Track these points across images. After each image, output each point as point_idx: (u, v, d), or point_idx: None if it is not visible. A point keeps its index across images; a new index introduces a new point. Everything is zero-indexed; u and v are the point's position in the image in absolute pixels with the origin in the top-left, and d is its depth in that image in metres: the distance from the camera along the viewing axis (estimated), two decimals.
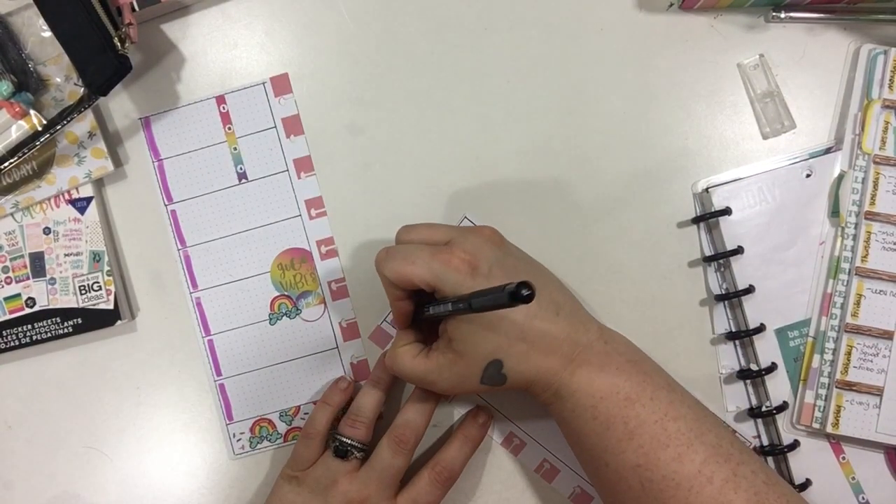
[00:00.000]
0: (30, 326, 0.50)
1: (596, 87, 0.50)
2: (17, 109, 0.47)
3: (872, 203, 0.48)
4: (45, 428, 0.51)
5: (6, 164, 0.48)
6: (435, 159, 0.51)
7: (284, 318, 0.51)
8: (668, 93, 0.50)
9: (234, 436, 0.51)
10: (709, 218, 0.49)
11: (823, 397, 0.48)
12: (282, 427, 0.51)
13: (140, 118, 0.51)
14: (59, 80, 0.50)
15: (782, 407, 0.48)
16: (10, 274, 0.51)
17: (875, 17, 0.49)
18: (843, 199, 0.48)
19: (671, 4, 0.50)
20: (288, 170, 0.51)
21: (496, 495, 0.50)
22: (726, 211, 0.48)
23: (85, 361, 0.51)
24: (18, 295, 0.51)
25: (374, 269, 0.43)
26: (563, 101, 0.51)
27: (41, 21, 0.48)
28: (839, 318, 0.48)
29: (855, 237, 0.48)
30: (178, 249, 0.51)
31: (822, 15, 0.49)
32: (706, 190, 0.49)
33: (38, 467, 0.51)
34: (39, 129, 0.48)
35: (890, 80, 0.48)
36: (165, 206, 0.51)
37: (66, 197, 0.51)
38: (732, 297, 0.48)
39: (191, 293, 0.51)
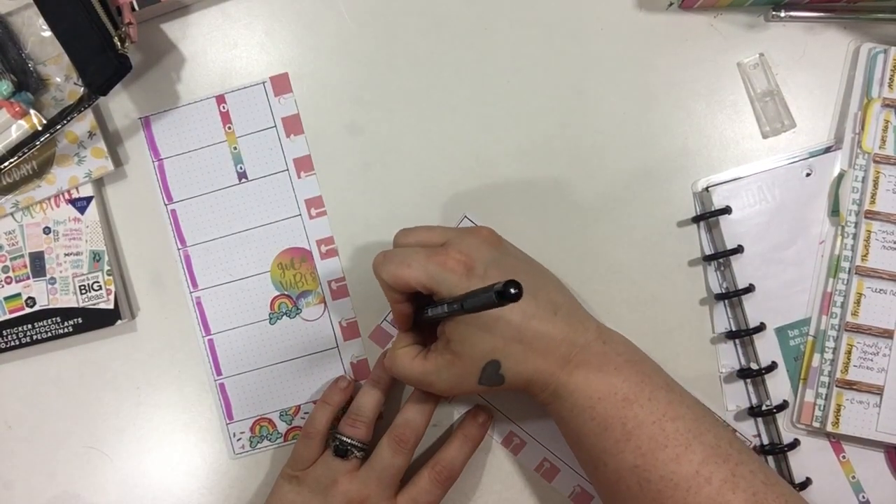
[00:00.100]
0: (30, 326, 0.50)
1: (596, 87, 0.50)
2: (17, 109, 0.47)
3: (872, 202, 0.48)
4: (45, 428, 0.51)
5: (6, 163, 0.48)
6: (435, 159, 0.51)
7: (284, 317, 0.51)
8: (667, 92, 0.50)
9: (234, 435, 0.51)
10: (709, 217, 0.49)
11: (823, 396, 0.48)
12: (282, 426, 0.51)
13: (140, 118, 0.51)
14: (59, 79, 0.50)
15: (782, 406, 0.48)
16: (10, 274, 0.51)
17: (875, 17, 0.49)
18: (843, 198, 0.48)
19: (671, 4, 0.50)
20: (288, 169, 0.51)
21: (496, 495, 0.50)
22: (726, 210, 0.48)
23: (85, 361, 0.51)
24: (18, 295, 0.51)
25: (372, 270, 0.43)
26: (563, 101, 0.51)
27: (41, 21, 0.48)
28: (839, 317, 0.48)
29: (855, 236, 0.48)
30: (178, 249, 0.51)
31: (821, 14, 0.49)
32: (706, 189, 0.49)
33: (38, 467, 0.51)
34: (39, 128, 0.48)
35: (890, 78, 0.48)
36: (165, 205, 0.51)
37: (66, 196, 0.51)
38: (732, 297, 0.48)
39: (191, 293, 0.51)
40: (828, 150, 0.49)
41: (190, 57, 0.52)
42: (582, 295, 0.49)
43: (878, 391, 0.47)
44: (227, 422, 0.51)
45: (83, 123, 0.50)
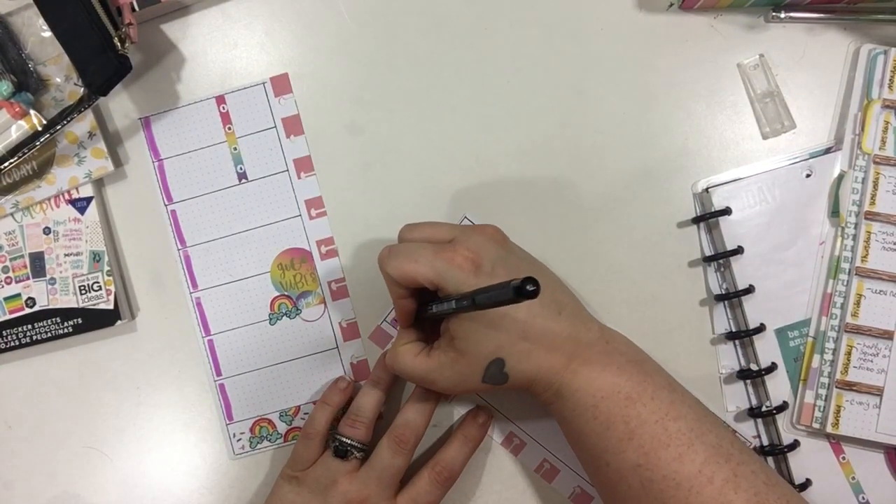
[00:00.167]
0: (30, 326, 0.50)
1: (596, 87, 0.50)
2: (17, 109, 0.47)
3: (872, 203, 0.48)
4: (45, 428, 0.51)
5: (6, 164, 0.48)
6: (435, 159, 0.51)
7: (284, 318, 0.51)
8: (667, 93, 0.50)
9: (234, 436, 0.51)
10: (709, 218, 0.49)
11: (823, 397, 0.48)
12: (282, 427, 0.51)
13: (140, 118, 0.51)
14: (59, 80, 0.50)
15: (782, 407, 0.48)
16: (10, 274, 0.51)
17: (875, 17, 0.49)
18: (843, 199, 0.48)
19: (671, 4, 0.50)
20: (288, 170, 0.51)
21: (496, 495, 0.50)
22: (726, 211, 0.48)
23: (85, 361, 0.51)
24: (18, 295, 0.51)
25: (374, 269, 0.43)
26: (563, 101, 0.51)
27: (41, 21, 0.48)
28: (839, 318, 0.48)
29: (855, 237, 0.48)
30: (178, 249, 0.51)
31: (822, 15, 0.49)
32: (706, 190, 0.49)
33: (38, 467, 0.51)
34: (39, 129, 0.48)
35: (890, 79, 0.48)
36: (165, 206, 0.51)
37: (66, 197, 0.51)
38: (732, 297, 0.48)
39: (191, 293, 0.51)
40: (828, 151, 0.49)
41: (190, 57, 0.52)
42: (582, 295, 0.49)
43: (877, 392, 0.47)
44: (227, 422, 0.51)
45: (83, 124, 0.50)
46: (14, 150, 0.48)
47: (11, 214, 0.51)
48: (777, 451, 0.48)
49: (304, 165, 0.51)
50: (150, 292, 0.51)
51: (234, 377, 0.51)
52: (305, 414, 0.50)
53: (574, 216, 0.50)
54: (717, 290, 0.49)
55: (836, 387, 0.47)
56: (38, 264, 0.51)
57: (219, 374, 0.51)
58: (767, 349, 0.48)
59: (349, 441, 0.45)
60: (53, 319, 0.50)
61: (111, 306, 0.50)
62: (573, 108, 0.51)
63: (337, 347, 0.51)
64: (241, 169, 0.51)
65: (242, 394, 0.51)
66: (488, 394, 0.50)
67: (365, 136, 0.51)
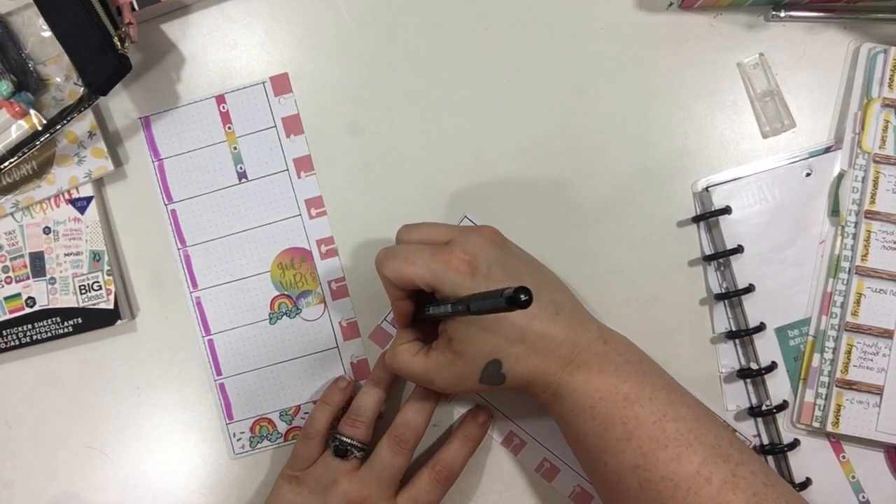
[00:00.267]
0: (30, 326, 0.50)
1: (596, 87, 0.50)
2: (17, 109, 0.47)
3: (872, 202, 0.48)
4: (45, 428, 0.51)
5: (6, 163, 0.48)
6: (435, 159, 0.51)
7: (284, 317, 0.51)
8: (667, 93, 0.50)
9: (234, 435, 0.51)
10: (709, 217, 0.49)
11: (823, 396, 0.48)
12: (282, 426, 0.51)
13: (140, 118, 0.51)
14: (59, 79, 0.50)
15: (782, 406, 0.48)
16: (10, 274, 0.51)
17: (875, 17, 0.49)
18: (842, 198, 0.48)
19: (671, 4, 0.50)
20: (288, 169, 0.51)
21: (496, 495, 0.50)
22: (726, 210, 0.48)
23: (85, 361, 0.51)
24: (18, 295, 0.51)
25: (374, 269, 0.43)
26: (563, 101, 0.51)
27: (41, 21, 0.48)
28: (839, 317, 0.48)
29: (855, 236, 0.48)
30: (178, 249, 0.51)
31: (821, 14, 0.49)
32: (706, 189, 0.49)
33: (38, 467, 0.51)
34: (39, 128, 0.48)
35: (890, 78, 0.48)
36: (165, 205, 0.51)
37: (66, 197, 0.51)
38: (732, 297, 0.48)
39: (191, 293, 0.51)
40: (828, 150, 0.49)
41: (190, 57, 0.52)
42: (582, 295, 0.49)
43: (877, 391, 0.47)
44: (227, 422, 0.51)
45: (83, 123, 0.50)
46: (14, 150, 0.48)
47: (11, 214, 0.51)
48: (777, 451, 0.48)
49: (304, 165, 0.51)
50: (150, 292, 0.51)
51: (235, 377, 0.51)
52: (305, 413, 0.50)
53: (574, 216, 0.50)
54: (717, 290, 0.49)
55: (837, 386, 0.47)
56: (38, 264, 0.51)
57: (219, 373, 0.51)
58: (767, 348, 0.48)
59: (349, 440, 0.45)
60: (53, 319, 0.50)
61: (111, 306, 0.50)
62: (573, 108, 0.51)
63: (337, 347, 0.51)
64: (241, 168, 0.51)
65: (242, 393, 0.51)
66: (488, 393, 0.50)
67: (365, 136, 0.51)
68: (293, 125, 0.51)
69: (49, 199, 0.50)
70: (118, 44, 0.45)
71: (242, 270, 0.51)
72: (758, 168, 0.49)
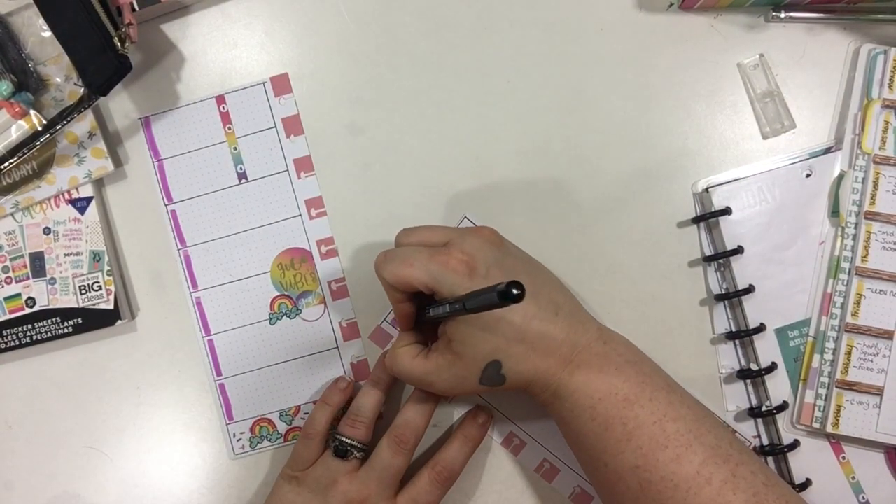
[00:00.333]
0: (30, 326, 0.50)
1: (596, 87, 0.50)
2: (17, 109, 0.47)
3: (872, 203, 0.48)
4: (45, 428, 0.51)
5: (6, 164, 0.48)
6: (435, 159, 0.51)
7: (284, 317, 0.51)
8: (668, 93, 0.50)
9: (234, 436, 0.51)
10: (709, 218, 0.49)
11: (823, 397, 0.48)
12: (282, 427, 0.51)
13: (140, 118, 0.51)
14: (59, 80, 0.50)
15: (782, 407, 0.48)
16: (10, 274, 0.51)
17: (875, 17, 0.49)
18: (842, 198, 0.48)
19: (671, 4, 0.50)
20: (288, 170, 0.51)
21: (496, 495, 0.50)
22: (726, 211, 0.48)
23: (85, 361, 0.51)
24: (18, 295, 0.51)
25: (374, 269, 0.43)
26: (563, 101, 0.51)
27: (41, 21, 0.48)
28: (839, 317, 0.48)
29: (855, 237, 0.48)
30: (178, 249, 0.51)
31: (821, 15, 0.49)
32: (706, 190, 0.49)
33: (38, 467, 0.51)
34: (39, 129, 0.48)
35: (890, 79, 0.48)
36: (165, 205, 0.51)
37: (66, 197, 0.51)
38: (732, 297, 0.48)
39: (191, 293, 0.51)
40: (828, 150, 0.49)
41: (190, 57, 0.52)
42: (582, 295, 0.49)
43: (877, 392, 0.47)
44: (227, 422, 0.51)
45: (83, 123, 0.50)
46: (14, 150, 0.48)
47: (11, 214, 0.51)
48: (777, 451, 0.48)
49: (304, 165, 0.51)
50: (150, 292, 0.51)
51: (234, 377, 0.51)
52: (305, 414, 0.50)
53: (574, 216, 0.50)
54: (717, 290, 0.49)
55: (836, 386, 0.47)
56: (38, 264, 0.51)
57: (219, 373, 0.51)
58: (767, 349, 0.48)
59: (349, 441, 0.45)
60: (53, 319, 0.50)
61: (111, 306, 0.50)
62: (573, 108, 0.51)
63: (337, 347, 0.51)
64: (241, 169, 0.51)
65: (242, 394, 0.51)
66: (488, 394, 0.50)
67: (365, 136, 0.51)
68: (293, 125, 0.51)
69: (49, 199, 0.50)
70: (118, 44, 0.45)
71: (242, 271, 0.51)
72: (758, 169, 0.49)
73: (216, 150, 0.51)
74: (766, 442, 0.49)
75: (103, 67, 0.45)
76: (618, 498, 0.40)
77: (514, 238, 0.45)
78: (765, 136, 0.50)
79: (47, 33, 0.49)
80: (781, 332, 0.48)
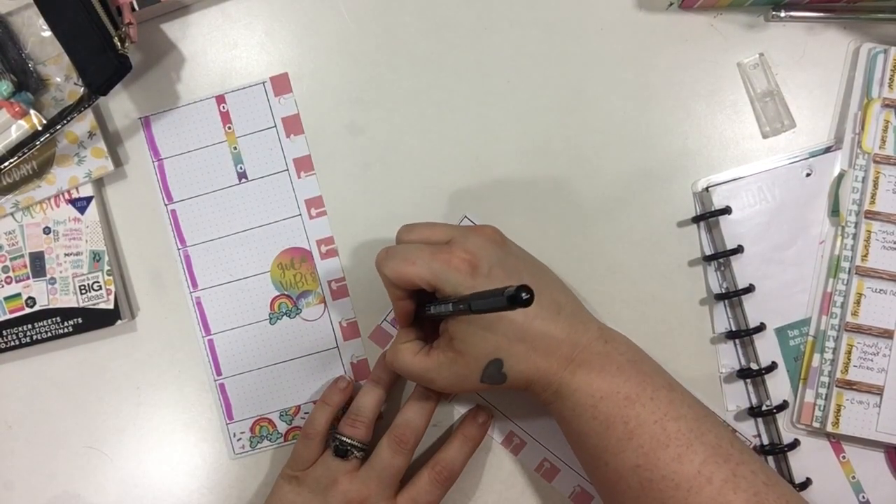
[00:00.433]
0: (30, 326, 0.50)
1: (596, 86, 0.50)
2: (17, 109, 0.47)
3: (872, 202, 0.48)
4: (45, 428, 0.51)
5: (6, 163, 0.48)
6: (435, 159, 0.51)
7: (284, 317, 0.51)
8: (667, 92, 0.50)
9: (234, 435, 0.51)
10: (709, 217, 0.49)
11: (823, 396, 0.48)
12: (282, 426, 0.51)
13: (140, 118, 0.51)
14: (59, 79, 0.50)
15: (782, 406, 0.48)
16: (10, 274, 0.51)
17: (875, 17, 0.49)
18: (843, 198, 0.48)
19: (671, 4, 0.50)
20: (288, 169, 0.51)
21: (496, 495, 0.50)
22: (726, 210, 0.48)
23: (85, 361, 0.51)
24: (18, 295, 0.51)
25: (374, 269, 0.43)
26: (563, 101, 0.51)
27: (41, 21, 0.48)
28: (839, 317, 0.48)
29: (855, 236, 0.48)
30: (178, 249, 0.51)
31: (821, 14, 0.49)
32: (706, 189, 0.49)
33: (38, 467, 0.51)
34: (39, 128, 0.48)
35: (890, 79, 0.48)
36: (165, 205, 0.51)
37: (66, 197, 0.51)
38: (732, 297, 0.48)
39: (191, 293, 0.51)
40: (828, 150, 0.49)
41: (190, 57, 0.52)
42: (582, 294, 0.49)
43: (878, 391, 0.47)
44: (227, 422, 0.51)
45: (83, 123, 0.50)
46: (14, 150, 0.48)
47: (11, 214, 0.51)
48: (777, 451, 0.48)
49: (304, 165, 0.51)
50: (150, 292, 0.51)
51: (235, 377, 0.51)
52: (305, 413, 0.50)
53: (574, 216, 0.50)
54: (717, 290, 0.49)
55: (837, 386, 0.47)
56: (38, 264, 0.51)
57: (219, 373, 0.51)
58: (767, 348, 0.48)
59: (349, 441, 0.45)
60: (53, 319, 0.50)
61: (111, 306, 0.50)
62: (573, 108, 0.51)
63: (337, 347, 0.51)
64: (241, 168, 0.51)
65: (242, 393, 0.51)
66: (488, 393, 0.50)
67: (365, 136, 0.51)
68: (293, 125, 0.51)
69: (49, 199, 0.50)
70: (118, 44, 0.45)
71: (242, 270, 0.51)
72: (758, 168, 0.49)
73: (216, 150, 0.51)
74: (766, 441, 0.49)
75: (103, 67, 0.45)
76: (618, 497, 0.40)
77: (515, 238, 0.45)
78: (765, 136, 0.50)
79: (47, 33, 0.49)
80: (781, 332, 0.49)
